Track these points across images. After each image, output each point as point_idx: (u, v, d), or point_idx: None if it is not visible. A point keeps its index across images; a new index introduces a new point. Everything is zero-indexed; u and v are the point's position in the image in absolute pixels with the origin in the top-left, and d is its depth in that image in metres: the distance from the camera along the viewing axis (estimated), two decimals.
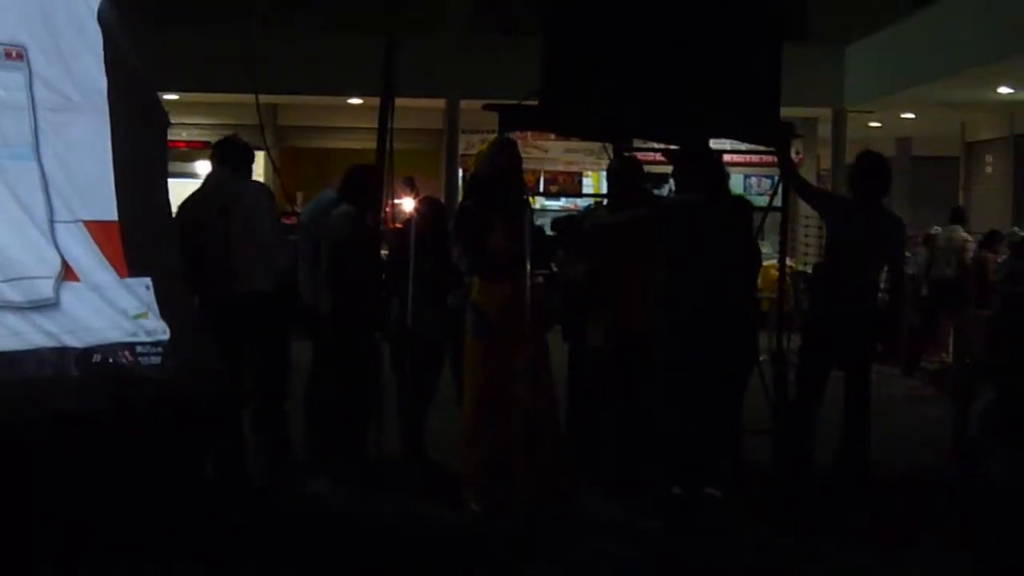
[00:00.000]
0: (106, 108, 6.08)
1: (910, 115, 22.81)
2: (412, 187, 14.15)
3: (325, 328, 8.36)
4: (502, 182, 7.65)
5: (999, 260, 14.88)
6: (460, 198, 15.96)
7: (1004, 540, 6.56)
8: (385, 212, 8.16)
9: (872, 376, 8.13)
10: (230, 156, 8.02)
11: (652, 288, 7.76)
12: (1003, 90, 18.74)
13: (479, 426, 7.59)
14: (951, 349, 14.92)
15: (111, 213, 5.99)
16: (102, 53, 6.10)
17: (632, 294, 7.85)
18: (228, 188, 7.88)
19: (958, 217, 16.40)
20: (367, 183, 7.91)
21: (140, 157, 6.19)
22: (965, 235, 15.74)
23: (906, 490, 8.39)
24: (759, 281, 9.01)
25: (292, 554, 6.56)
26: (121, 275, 5.97)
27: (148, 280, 6.02)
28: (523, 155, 8.07)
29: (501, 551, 6.85)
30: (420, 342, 7.92)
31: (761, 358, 8.37)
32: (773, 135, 8.64)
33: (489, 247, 7.53)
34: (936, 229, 16.19)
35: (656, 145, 9.95)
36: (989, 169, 23.58)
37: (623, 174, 8.44)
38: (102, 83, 6.09)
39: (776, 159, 8.76)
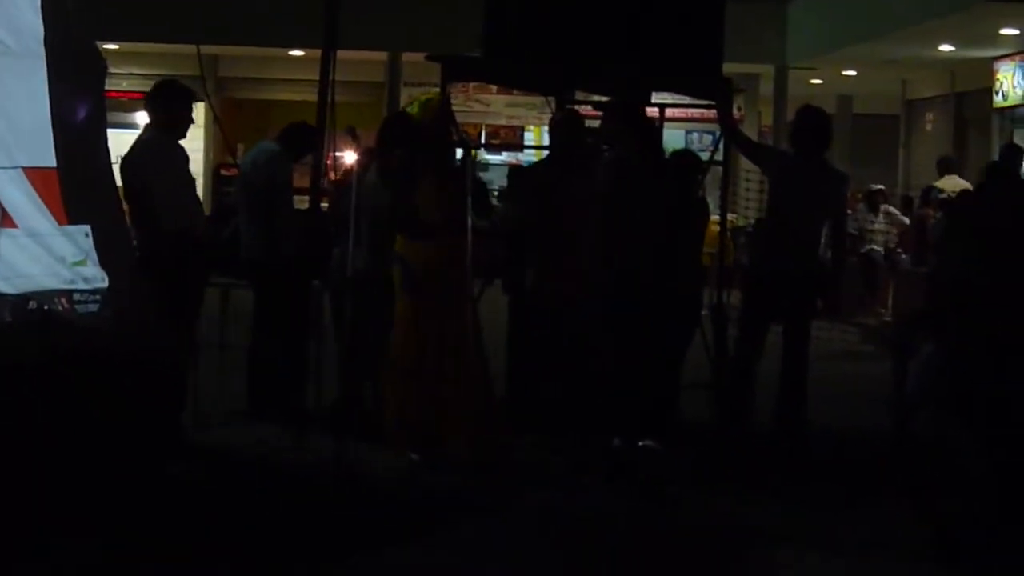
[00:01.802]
0: (43, 54, 6.01)
1: (851, 72, 22.89)
2: (354, 138, 14.02)
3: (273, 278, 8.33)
4: (430, 139, 7.67)
5: (936, 217, 14.99)
6: None
7: (936, 493, 6.65)
8: (326, 164, 8.11)
9: (811, 332, 8.18)
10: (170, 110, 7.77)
11: (590, 244, 7.79)
12: (944, 48, 18.84)
13: (402, 376, 7.62)
14: (890, 305, 15.11)
15: (49, 160, 5.94)
16: None
17: (573, 249, 7.88)
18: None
19: (951, 166, 16.46)
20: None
21: (78, 104, 6.13)
22: (966, 183, 15.76)
23: (843, 445, 8.48)
24: None
25: (225, 504, 6.57)
26: (60, 222, 5.94)
27: (87, 228, 5.99)
28: (465, 109, 8.09)
29: (433, 504, 6.86)
30: (367, 292, 7.92)
31: (702, 313, 8.42)
32: (715, 91, 8.65)
33: (412, 207, 7.53)
34: (936, 184, 16.21)
35: (595, 98, 9.94)
36: (929, 127, 23.72)
37: (566, 127, 8.45)
38: (39, 29, 6.01)
39: (717, 115, 8.77)
